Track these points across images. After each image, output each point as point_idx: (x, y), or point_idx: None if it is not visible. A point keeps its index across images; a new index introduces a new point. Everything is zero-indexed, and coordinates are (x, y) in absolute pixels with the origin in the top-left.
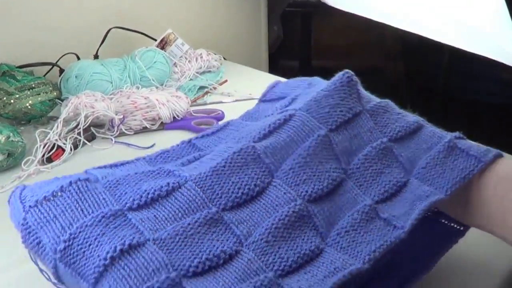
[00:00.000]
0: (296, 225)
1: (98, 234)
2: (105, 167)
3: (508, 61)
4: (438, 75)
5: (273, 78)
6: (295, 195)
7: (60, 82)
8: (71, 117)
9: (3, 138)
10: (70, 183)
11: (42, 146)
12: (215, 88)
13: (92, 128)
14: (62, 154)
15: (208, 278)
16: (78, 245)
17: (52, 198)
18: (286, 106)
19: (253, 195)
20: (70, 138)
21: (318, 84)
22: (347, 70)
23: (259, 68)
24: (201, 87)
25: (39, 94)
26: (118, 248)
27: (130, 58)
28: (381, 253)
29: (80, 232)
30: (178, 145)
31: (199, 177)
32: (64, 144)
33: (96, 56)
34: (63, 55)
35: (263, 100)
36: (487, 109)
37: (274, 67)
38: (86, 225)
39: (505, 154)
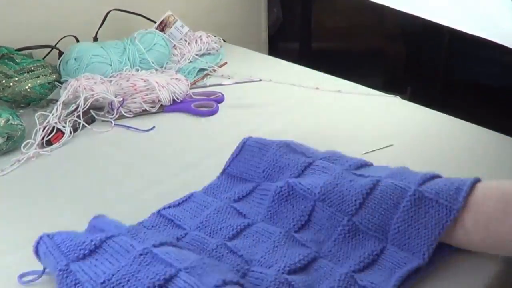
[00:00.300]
0: None
1: (134, 271)
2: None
3: (509, 44)
4: (438, 57)
5: (273, 60)
6: (271, 271)
7: (59, 64)
8: (70, 99)
9: (3, 121)
10: (101, 241)
11: (41, 129)
12: (214, 71)
13: (91, 111)
14: (62, 137)
15: None
16: (117, 280)
17: (90, 253)
18: (242, 196)
19: (236, 281)
20: (69, 121)
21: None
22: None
23: (258, 50)
24: (201, 70)
25: (38, 77)
26: (157, 284)
27: (130, 40)
28: None
29: (118, 271)
30: (150, 217)
31: (188, 270)
32: (63, 127)
33: (95, 39)
34: (62, 38)
35: (227, 169)
36: (487, 91)
37: (274, 49)
38: (122, 266)
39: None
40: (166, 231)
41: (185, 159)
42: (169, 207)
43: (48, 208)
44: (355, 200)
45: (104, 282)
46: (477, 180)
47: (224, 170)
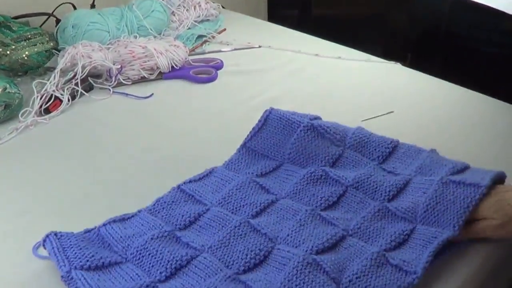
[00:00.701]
0: (307, 272)
1: None
2: (114, 221)
3: (509, 10)
4: (440, 23)
5: (273, 27)
6: (298, 251)
7: (57, 32)
8: (68, 67)
9: (0, 89)
10: (110, 263)
11: (39, 97)
12: (213, 37)
13: (89, 79)
14: (60, 105)
15: None
16: None
17: (95, 268)
18: (266, 173)
19: (260, 259)
20: (67, 88)
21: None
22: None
23: (258, 16)
24: (200, 36)
25: (36, 44)
26: None
27: (127, 7)
28: None
29: None
30: (170, 192)
31: (211, 249)
32: (61, 95)
33: (92, 6)
34: (59, 5)
35: (248, 143)
36: (488, 58)
37: (273, 16)
38: None
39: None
40: (187, 206)
41: (184, 126)
42: (190, 181)
43: (46, 176)
44: (389, 191)
45: None
46: (503, 175)
47: (245, 143)
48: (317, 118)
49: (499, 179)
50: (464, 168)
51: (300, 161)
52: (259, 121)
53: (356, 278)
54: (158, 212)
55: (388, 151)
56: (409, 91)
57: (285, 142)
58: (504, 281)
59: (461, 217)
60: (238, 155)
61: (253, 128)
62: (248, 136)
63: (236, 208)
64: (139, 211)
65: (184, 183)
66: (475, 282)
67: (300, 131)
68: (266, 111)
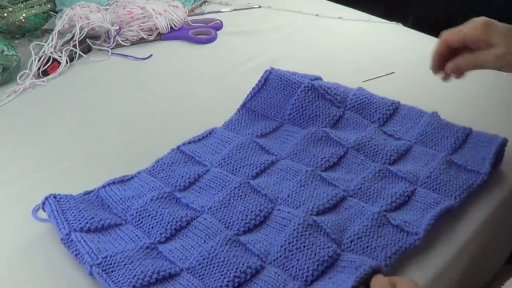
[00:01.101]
0: (307, 234)
1: (140, 258)
2: (113, 182)
3: None
4: None
5: None
6: (298, 212)
7: None
8: (66, 29)
9: None
10: (109, 225)
11: (37, 60)
12: None
13: (88, 40)
14: (58, 67)
15: None
16: (120, 259)
17: (95, 230)
18: (266, 133)
19: (260, 219)
20: (65, 50)
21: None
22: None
23: None
24: None
25: (33, 6)
26: (161, 273)
27: None
28: (396, 258)
29: (122, 252)
30: (169, 153)
31: (211, 211)
32: (59, 56)
33: None
34: None
35: (247, 104)
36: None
37: None
38: (127, 250)
39: None
40: (187, 168)
41: (184, 87)
42: (189, 142)
43: (45, 139)
44: (390, 156)
45: (106, 257)
46: (504, 143)
47: (244, 104)
48: (317, 78)
49: (501, 150)
50: (467, 136)
51: (301, 122)
52: (259, 81)
53: (358, 238)
54: (158, 173)
55: (389, 113)
56: (410, 52)
57: (285, 102)
58: (506, 242)
59: (463, 193)
60: (238, 115)
61: (253, 88)
62: (248, 96)
63: (236, 169)
64: (139, 173)
65: (184, 144)
66: (476, 244)
67: (301, 91)
68: (266, 71)
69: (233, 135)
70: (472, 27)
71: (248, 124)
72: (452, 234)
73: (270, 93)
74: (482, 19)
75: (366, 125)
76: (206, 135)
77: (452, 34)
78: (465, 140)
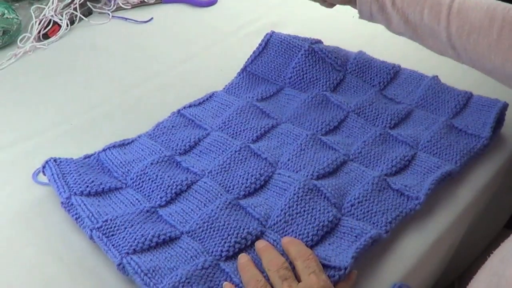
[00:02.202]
0: (307, 199)
1: (141, 221)
2: (114, 146)
3: None
4: None
5: None
6: (299, 176)
7: None
8: None
9: None
10: (110, 189)
11: (37, 23)
12: None
13: (88, 3)
14: (59, 30)
15: None
16: (120, 223)
17: (95, 194)
18: (266, 97)
19: (261, 183)
20: (66, 13)
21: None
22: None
23: None
24: None
25: None
26: (161, 236)
27: None
28: (397, 223)
29: (122, 216)
30: (170, 116)
31: (211, 174)
32: (60, 20)
33: None
34: None
35: (248, 67)
36: None
37: None
38: (128, 213)
39: None
40: (187, 131)
41: (185, 50)
42: (190, 106)
43: (46, 102)
44: (390, 120)
45: (107, 221)
46: (505, 107)
47: (245, 67)
48: (318, 42)
49: (501, 115)
50: (467, 100)
51: (301, 85)
52: (260, 44)
53: (358, 202)
54: (158, 137)
55: (389, 77)
56: None
57: (285, 66)
58: (505, 207)
59: (464, 157)
60: (238, 79)
61: (253, 52)
62: (248, 60)
63: (236, 132)
64: (139, 136)
65: (184, 107)
66: (476, 208)
67: (301, 55)
68: (267, 34)
69: (233, 98)
70: None
71: (248, 87)
72: (452, 199)
73: (271, 57)
74: None
75: (366, 89)
76: (207, 99)
77: None
78: (466, 104)
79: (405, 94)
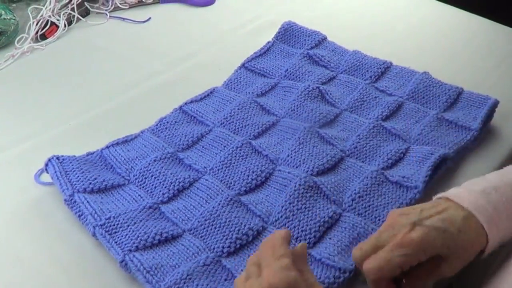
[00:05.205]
0: (308, 196)
1: (143, 219)
2: (117, 143)
3: None
4: None
5: None
6: (299, 172)
7: None
8: None
9: None
10: (112, 186)
11: (35, 23)
12: None
13: (86, 3)
14: (56, 30)
15: (242, 255)
16: (123, 220)
17: (98, 191)
18: (265, 91)
19: (262, 180)
20: (63, 14)
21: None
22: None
23: None
24: None
25: None
26: (164, 234)
27: None
28: None
29: (125, 213)
30: (172, 112)
31: (213, 171)
32: (57, 20)
33: None
34: None
35: (247, 64)
36: None
37: None
38: (130, 210)
39: None
40: (190, 127)
41: (183, 50)
42: (191, 102)
43: (44, 102)
44: (382, 112)
45: (110, 218)
46: (495, 104)
47: (243, 64)
48: (323, 38)
49: (492, 111)
50: (458, 95)
51: (296, 76)
52: (261, 48)
53: (359, 197)
54: (161, 132)
55: (380, 71)
56: (411, 14)
57: (281, 65)
58: None
59: (455, 146)
60: (236, 74)
61: (254, 53)
62: (248, 58)
63: (237, 128)
64: (142, 132)
65: (186, 103)
66: None
67: (296, 58)
68: (268, 42)
69: (233, 94)
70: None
71: (247, 82)
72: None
73: (270, 59)
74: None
75: (357, 83)
76: (208, 94)
77: (379, 270)
78: (457, 99)
79: (396, 86)
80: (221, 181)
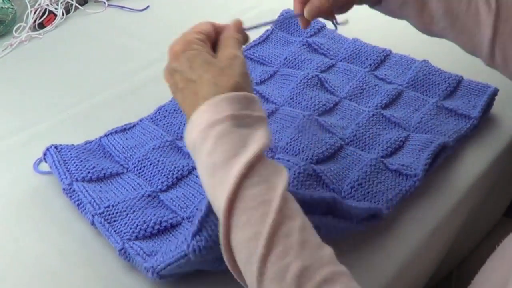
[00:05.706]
0: (307, 184)
1: (142, 207)
2: (116, 131)
3: None
4: None
5: None
6: (298, 160)
7: None
8: None
9: None
10: (111, 174)
11: (33, 12)
12: None
13: None
14: (54, 19)
15: None
16: (122, 209)
17: (97, 180)
18: (264, 79)
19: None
20: (61, 2)
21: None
22: None
23: None
24: None
25: None
26: (163, 223)
27: None
28: (397, 201)
29: (124, 201)
30: (170, 101)
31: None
32: (55, 9)
33: None
34: None
35: (245, 52)
36: None
37: None
38: (129, 199)
39: None
40: (185, 118)
41: None
42: None
43: (43, 91)
44: (381, 100)
45: (108, 206)
46: (495, 92)
47: (244, 50)
48: (322, 26)
49: (491, 100)
50: (458, 83)
51: (295, 64)
52: (260, 36)
53: (358, 185)
54: (160, 121)
55: (379, 59)
56: None
57: (280, 53)
58: (504, 195)
59: (455, 134)
60: None
61: (253, 41)
62: (246, 46)
63: None
64: (141, 120)
65: None
66: (475, 197)
67: (295, 46)
68: (267, 30)
69: None
70: None
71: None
72: (450, 187)
73: (269, 47)
74: None
75: (357, 71)
76: None
77: None
78: (456, 87)
79: (395, 74)
80: None
